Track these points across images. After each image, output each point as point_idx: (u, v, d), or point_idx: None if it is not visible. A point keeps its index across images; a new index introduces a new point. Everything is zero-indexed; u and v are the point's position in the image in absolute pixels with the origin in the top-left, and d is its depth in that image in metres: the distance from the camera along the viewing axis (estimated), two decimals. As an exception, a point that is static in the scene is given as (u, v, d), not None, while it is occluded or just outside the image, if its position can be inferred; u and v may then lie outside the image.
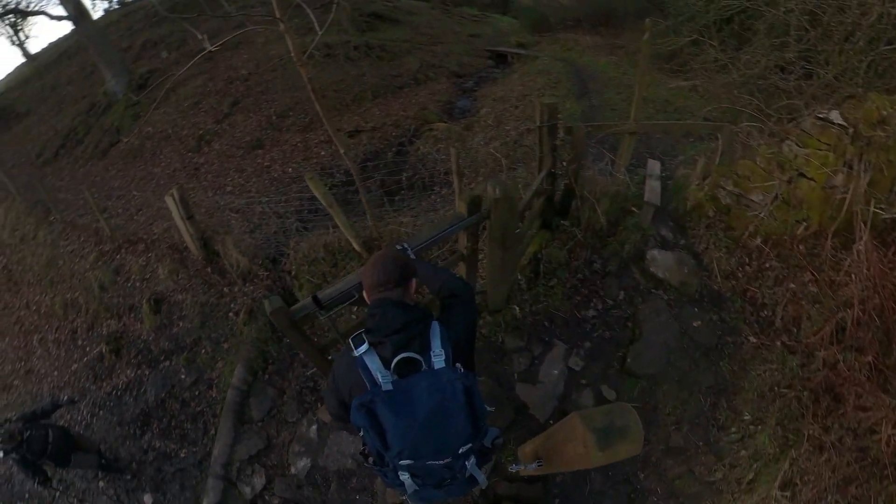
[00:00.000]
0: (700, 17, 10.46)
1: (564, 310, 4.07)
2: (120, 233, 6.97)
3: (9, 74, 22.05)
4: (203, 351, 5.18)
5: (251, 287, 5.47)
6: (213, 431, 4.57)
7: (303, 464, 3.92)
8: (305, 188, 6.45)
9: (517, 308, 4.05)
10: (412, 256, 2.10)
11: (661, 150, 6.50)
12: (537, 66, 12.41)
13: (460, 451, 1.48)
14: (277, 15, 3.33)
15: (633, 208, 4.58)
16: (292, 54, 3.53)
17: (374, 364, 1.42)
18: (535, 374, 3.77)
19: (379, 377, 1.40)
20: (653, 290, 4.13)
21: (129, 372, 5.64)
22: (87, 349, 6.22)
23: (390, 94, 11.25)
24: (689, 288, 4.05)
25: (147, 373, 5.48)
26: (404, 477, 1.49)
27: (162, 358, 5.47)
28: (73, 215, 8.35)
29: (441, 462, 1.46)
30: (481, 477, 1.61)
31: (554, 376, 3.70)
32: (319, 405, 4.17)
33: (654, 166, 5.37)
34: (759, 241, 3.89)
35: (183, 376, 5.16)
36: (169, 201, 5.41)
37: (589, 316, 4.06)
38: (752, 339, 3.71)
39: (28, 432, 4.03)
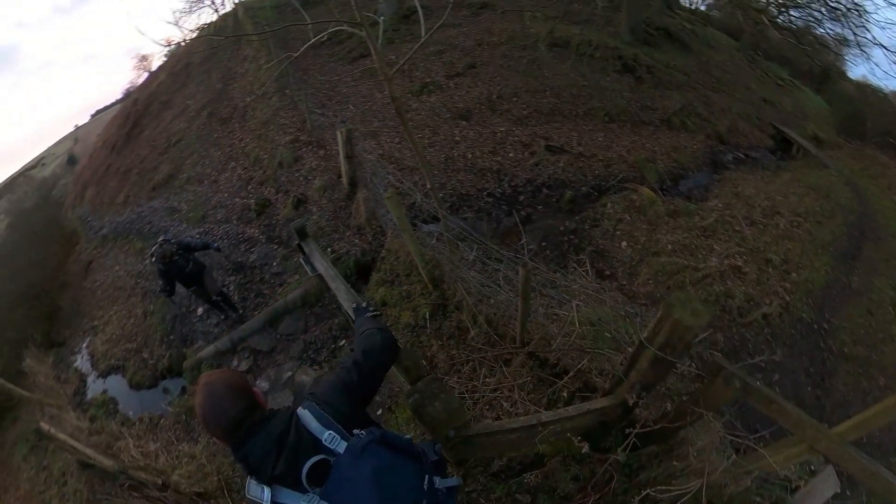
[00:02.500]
0: None
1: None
2: (317, 132, 8.77)
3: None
4: (295, 259, 6.72)
5: (357, 240, 6.57)
6: (256, 313, 6.15)
7: (262, 387, 5.33)
8: (461, 180, 7.38)
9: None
10: (372, 311, 2.09)
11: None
12: (818, 178, 9.84)
13: (425, 488, 1.43)
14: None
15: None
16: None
17: (292, 499, 1.30)
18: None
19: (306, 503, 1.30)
20: None
21: (254, 231, 7.58)
22: (247, 196, 8.34)
23: (628, 124, 9.63)
24: None
25: (262, 241, 7.31)
26: None
27: (275, 240, 7.21)
28: (302, 97, 9.52)
29: None
30: (454, 480, 1.62)
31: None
32: (303, 365, 5.37)
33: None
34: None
35: (274, 263, 6.83)
36: (339, 135, 6.57)
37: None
38: None
39: (177, 257, 5.39)
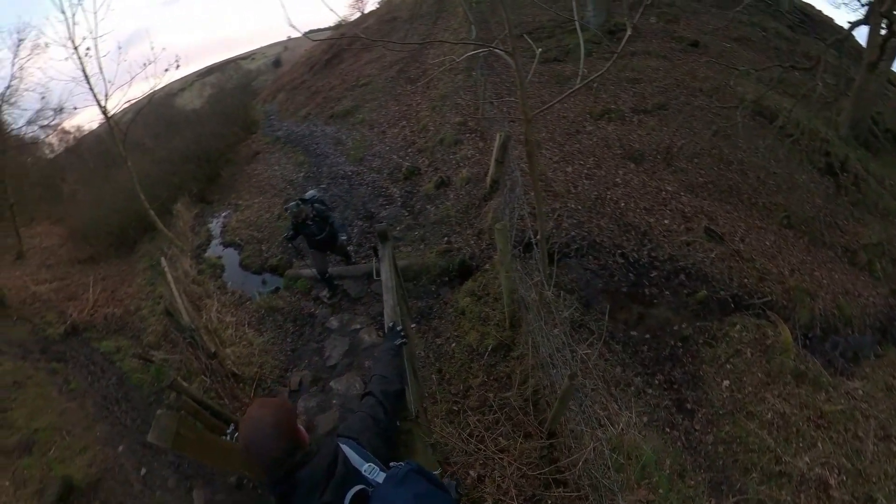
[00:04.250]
0: None
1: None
2: (484, 123, 9.12)
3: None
4: (412, 235, 7.25)
5: (473, 242, 6.70)
6: (363, 261, 6.82)
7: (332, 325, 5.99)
8: (601, 226, 6.63)
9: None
10: (402, 339, 2.33)
11: None
12: None
13: None
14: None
15: None
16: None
17: None
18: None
19: None
20: None
21: (395, 191, 8.35)
22: (403, 157, 9.15)
23: (805, 238, 7.84)
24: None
25: (398, 203, 8.04)
26: None
27: (407, 207, 7.87)
28: (483, 84, 9.55)
29: None
30: None
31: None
32: (371, 326, 5.80)
33: None
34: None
35: (399, 227, 7.42)
36: (497, 137, 6.82)
37: None
38: None
39: (311, 222, 5.65)
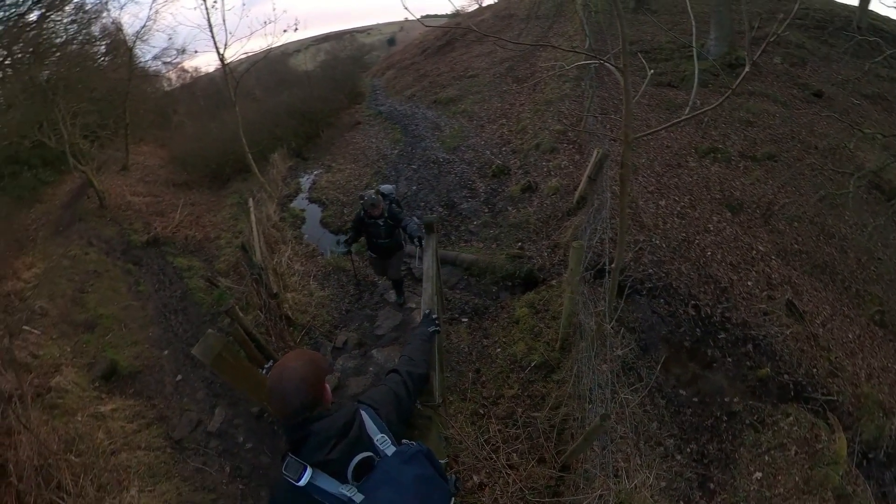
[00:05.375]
0: None
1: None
2: (584, 136, 8.71)
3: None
4: (487, 233, 7.10)
5: (546, 254, 6.46)
6: None
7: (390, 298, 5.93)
8: (680, 270, 6.17)
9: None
10: (435, 327, 2.37)
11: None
12: None
13: None
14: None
15: None
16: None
17: (330, 485, 1.33)
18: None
19: (345, 493, 1.33)
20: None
21: (480, 186, 8.21)
22: (496, 155, 8.98)
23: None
24: None
25: (480, 198, 7.91)
26: None
27: (489, 204, 7.71)
28: (590, 96, 9.19)
29: None
30: None
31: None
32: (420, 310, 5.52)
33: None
34: None
35: (475, 222, 7.32)
36: (594, 153, 6.59)
37: None
38: None
39: (381, 221, 4.76)
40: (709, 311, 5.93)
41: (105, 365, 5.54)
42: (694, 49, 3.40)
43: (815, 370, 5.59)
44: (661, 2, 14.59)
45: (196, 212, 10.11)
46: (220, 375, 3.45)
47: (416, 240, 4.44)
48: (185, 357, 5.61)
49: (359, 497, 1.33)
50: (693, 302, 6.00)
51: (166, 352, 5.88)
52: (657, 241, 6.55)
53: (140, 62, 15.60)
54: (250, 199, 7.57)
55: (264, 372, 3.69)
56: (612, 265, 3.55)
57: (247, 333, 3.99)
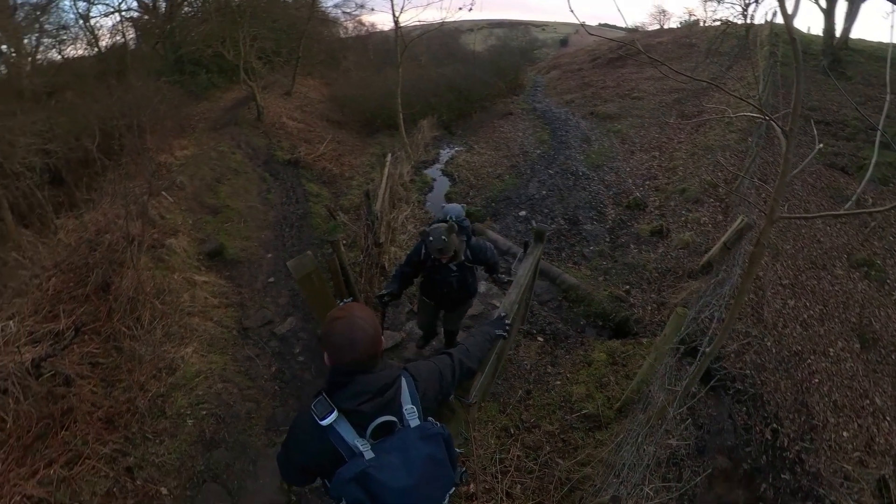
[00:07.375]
0: None
1: None
2: (735, 197, 7.76)
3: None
4: (598, 262, 6.77)
5: (650, 308, 6.07)
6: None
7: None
8: (779, 387, 5.21)
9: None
10: (503, 332, 2.36)
11: None
12: None
13: (446, 499, 1.53)
14: None
15: None
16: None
17: (348, 433, 1.37)
18: None
19: (358, 445, 1.36)
20: None
21: (610, 213, 7.91)
22: (636, 187, 8.52)
23: None
24: None
25: (607, 226, 7.56)
26: None
27: (612, 234, 7.35)
28: (755, 153, 8.46)
29: None
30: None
31: None
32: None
33: None
34: None
35: (591, 248, 7.00)
36: (738, 218, 5.93)
37: None
38: None
39: (454, 265, 3.34)
40: (786, 444, 4.97)
41: (214, 245, 6.23)
42: (878, 133, 2.69)
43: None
44: (862, 69, 12.21)
45: (340, 150, 11.03)
46: (302, 293, 3.69)
47: (502, 275, 3.88)
48: (282, 267, 6.10)
49: (369, 454, 1.35)
50: (775, 425, 5.08)
51: (270, 255, 6.48)
52: (768, 344, 5.62)
53: (322, 6, 17.30)
54: (389, 155, 8.00)
55: (340, 304, 3.86)
56: (708, 349, 3.06)
57: (341, 267, 4.21)
